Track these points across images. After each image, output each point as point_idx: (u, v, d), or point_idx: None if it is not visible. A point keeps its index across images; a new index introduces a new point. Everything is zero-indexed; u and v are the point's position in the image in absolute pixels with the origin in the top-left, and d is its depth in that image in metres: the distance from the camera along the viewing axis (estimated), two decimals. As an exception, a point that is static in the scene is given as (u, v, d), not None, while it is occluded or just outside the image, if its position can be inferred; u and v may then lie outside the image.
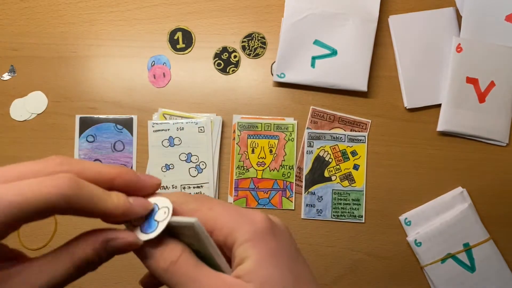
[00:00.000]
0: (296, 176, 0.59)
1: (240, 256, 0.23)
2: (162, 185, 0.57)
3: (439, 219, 0.57)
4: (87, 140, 0.59)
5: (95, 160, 0.58)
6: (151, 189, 0.25)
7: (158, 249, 0.23)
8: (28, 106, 0.59)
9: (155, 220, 0.24)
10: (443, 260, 0.56)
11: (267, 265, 0.23)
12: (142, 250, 0.23)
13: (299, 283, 0.24)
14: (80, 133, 0.59)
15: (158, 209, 0.24)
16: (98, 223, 0.24)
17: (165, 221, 0.23)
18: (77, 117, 0.59)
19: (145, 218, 0.24)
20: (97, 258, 0.23)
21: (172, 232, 0.24)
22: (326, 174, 0.58)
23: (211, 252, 0.23)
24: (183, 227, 0.23)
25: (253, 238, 0.23)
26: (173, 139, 0.57)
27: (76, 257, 0.22)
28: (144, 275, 0.29)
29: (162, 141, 0.57)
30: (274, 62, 0.59)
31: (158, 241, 0.23)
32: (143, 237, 0.23)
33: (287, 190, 0.58)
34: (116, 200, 0.23)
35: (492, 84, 0.58)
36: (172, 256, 0.23)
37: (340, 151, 0.59)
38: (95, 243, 0.23)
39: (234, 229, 0.24)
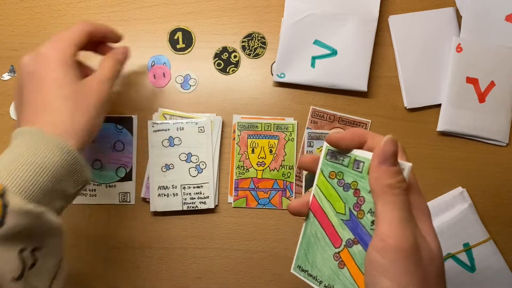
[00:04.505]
0: (296, 176, 0.59)
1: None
2: (162, 185, 0.57)
3: (439, 219, 0.57)
4: (87, 140, 0.59)
5: (95, 160, 0.58)
6: (116, 37, 0.49)
7: (391, 168, 0.28)
8: (28, 106, 0.59)
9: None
10: (443, 260, 0.56)
11: None
12: (387, 160, 0.29)
13: None
14: (80, 133, 0.59)
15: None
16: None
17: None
18: (77, 117, 0.59)
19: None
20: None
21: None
22: (326, 174, 0.58)
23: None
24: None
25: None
26: (173, 139, 0.57)
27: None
28: (292, 204, 0.36)
29: (162, 141, 0.57)
30: (274, 62, 0.59)
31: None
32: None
33: (287, 190, 0.58)
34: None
35: (492, 84, 0.58)
36: (400, 182, 0.28)
37: (340, 151, 0.59)
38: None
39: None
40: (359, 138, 0.31)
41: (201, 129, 0.58)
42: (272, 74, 0.60)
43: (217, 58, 0.60)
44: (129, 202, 0.58)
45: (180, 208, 0.57)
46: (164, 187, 0.57)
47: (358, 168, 0.31)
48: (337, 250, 0.32)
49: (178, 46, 0.60)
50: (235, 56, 0.60)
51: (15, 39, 0.60)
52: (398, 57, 0.59)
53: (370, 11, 0.58)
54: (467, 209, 0.57)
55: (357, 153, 0.31)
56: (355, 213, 0.31)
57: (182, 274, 0.58)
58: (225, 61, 0.60)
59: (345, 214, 0.32)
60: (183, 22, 0.60)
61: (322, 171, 0.34)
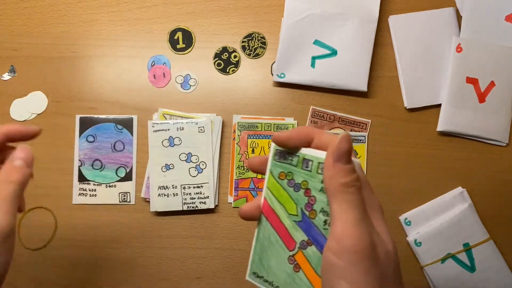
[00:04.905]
0: (296, 176, 0.59)
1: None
2: (162, 185, 0.57)
3: (439, 219, 0.57)
4: (87, 140, 0.59)
5: (96, 160, 0.58)
6: (34, 132, 0.37)
7: (346, 166, 0.28)
8: (28, 106, 0.59)
9: None
10: (443, 260, 0.56)
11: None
12: (343, 157, 0.28)
13: None
14: (80, 133, 0.59)
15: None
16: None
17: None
18: (77, 117, 0.59)
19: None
20: None
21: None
22: (326, 174, 0.58)
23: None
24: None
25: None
26: (173, 139, 0.57)
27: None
28: (243, 208, 0.34)
29: (162, 141, 0.57)
30: (274, 62, 0.59)
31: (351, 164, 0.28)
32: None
33: (287, 190, 0.58)
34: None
35: (492, 84, 0.58)
36: (355, 181, 0.28)
37: (340, 151, 0.59)
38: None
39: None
40: (305, 136, 0.31)
41: (201, 129, 0.58)
42: (272, 74, 0.60)
43: (217, 58, 0.60)
44: (129, 202, 0.58)
45: (180, 208, 0.57)
46: (164, 187, 0.57)
47: (307, 167, 0.30)
48: (291, 253, 0.31)
49: (178, 46, 0.60)
50: (235, 56, 0.60)
51: (15, 39, 0.60)
52: (398, 57, 0.59)
53: (370, 11, 0.58)
54: (467, 209, 0.57)
55: (305, 152, 0.31)
56: (307, 213, 0.30)
57: (182, 274, 0.58)
58: (225, 61, 0.60)
59: (297, 215, 0.31)
60: (183, 22, 0.60)
61: (271, 172, 0.33)
